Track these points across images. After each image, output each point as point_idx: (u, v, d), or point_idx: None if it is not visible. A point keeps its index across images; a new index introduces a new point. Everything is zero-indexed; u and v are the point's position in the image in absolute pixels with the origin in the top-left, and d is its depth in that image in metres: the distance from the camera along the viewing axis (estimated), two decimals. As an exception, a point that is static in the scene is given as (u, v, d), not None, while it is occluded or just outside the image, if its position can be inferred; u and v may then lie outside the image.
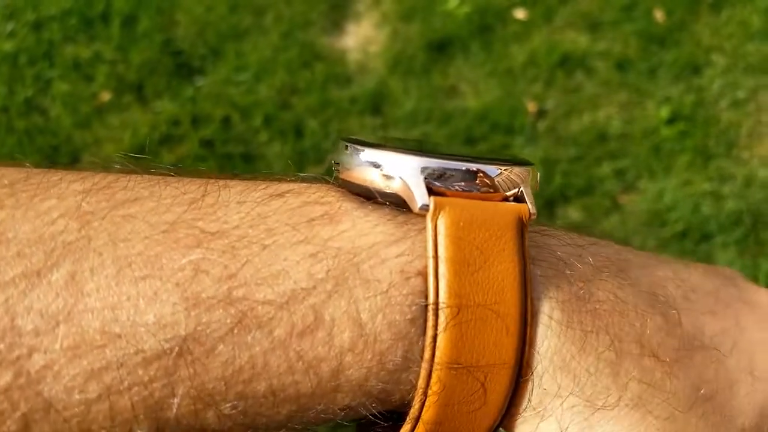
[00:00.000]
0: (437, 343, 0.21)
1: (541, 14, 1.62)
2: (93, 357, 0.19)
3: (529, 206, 0.23)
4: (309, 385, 0.20)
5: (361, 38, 1.58)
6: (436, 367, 0.21)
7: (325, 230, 0.21)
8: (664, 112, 1.49)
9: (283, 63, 1.51)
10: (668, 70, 1.55)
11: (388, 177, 0.22)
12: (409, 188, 0.22)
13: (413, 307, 0.21)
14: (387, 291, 0.21)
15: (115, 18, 1.52)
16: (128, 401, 0.19)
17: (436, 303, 0.21)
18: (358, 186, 0.23)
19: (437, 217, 0.21)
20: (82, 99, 1.41)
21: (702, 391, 0.23)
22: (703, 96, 1.52)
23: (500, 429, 0.23)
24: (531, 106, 1.49)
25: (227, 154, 1.35)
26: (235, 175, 0.23)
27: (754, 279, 1.33)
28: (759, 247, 1.35)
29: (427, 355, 0.21)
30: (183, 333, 0.19)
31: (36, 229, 0.19)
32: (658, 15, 1.63)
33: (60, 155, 1.34)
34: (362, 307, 0.20)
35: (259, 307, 0.20)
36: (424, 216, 0.21)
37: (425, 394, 0.21)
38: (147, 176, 0.22)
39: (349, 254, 0.21)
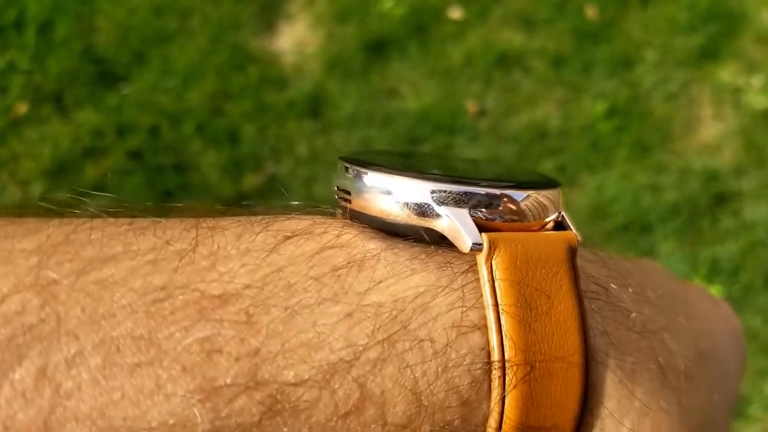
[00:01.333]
0: (504, 408, 0.18)
1: (476, 14, 1.64)
2: None
3: (576, 233, 0.21)
4: None
5: (295, 40, 1.56)
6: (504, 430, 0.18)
7: (357, 282, 0.18)
8: (600, 107, 1.52)
9: (214, 67, 1.47)
10: (602, 66, 1.59)
11: (422, 211, 0.19)
12: (455, 225, 0.19)
13: (474, 369, 0.18)
14: (443, 352, 0.18)
15: (30, 25, 1.45)
16: None
17: (503, 361, 0.18)
18: (380, 220, 0.20)
19: (492, 257, 0.19)
20: (-5, 112, 1.34)
21: (714, 398, 0.24)
22: (636, 90, 1.56)
23: None
24: (471, 106, 1.50)
25: (157, 166, 1.30)
26: (216, 210, 0.20)
27: (694, 267, 1.38)
28: (697, 236, 1.40)
29: (493, 422, 0.18)
30: None
31: None
32: (590, 12, 1.67)
33: None
34: (417, 374, 0.18)
35: (293, 390, 0.16)
36: (468, 254, 0.19)
37: None
38: (113, 222, 0.18)
39: (392, 311, 0.18)
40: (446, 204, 0.19)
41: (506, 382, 0.18)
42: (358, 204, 0.20)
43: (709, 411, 0.23)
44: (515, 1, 1.66)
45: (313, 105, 1.45)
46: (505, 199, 0.20)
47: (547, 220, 0.21)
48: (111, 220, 0.18)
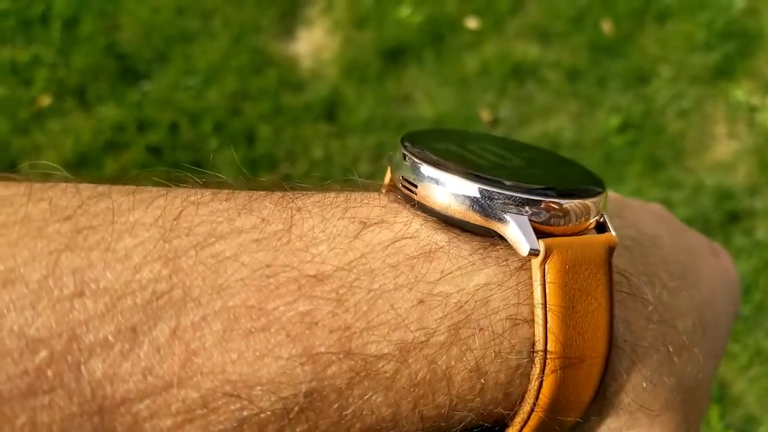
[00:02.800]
0: (542, 389, 0.21)
1: (492, 24, 1.66)
2: (207, 422, 0.17)
3: (614, 235, 0.23)
4: (419, 428, 0.20)
5: (313, 45, 1.59)
6: (537, 410, 0.21)
7: (428, 272, 0.20)
8: (614, 121, 1.54)
9: (234, 68, 1.50)
10: (617, 81, 1.61)
11: (486, 212, 0.21)
12: (516, 231, 0.21)
13: (521, 356, 0.21)
14: (498, 339, 0.21)
15: (56, 20, 1.49)
16: None
17: (545, 351, 0.21)
18: (445, 216, 0.22)
19: (545, 262, 0.21)
20: (20, 103, 1.37)
21: (710, 365, 0.26)
22: (650, 106, 1.58)
23: None
24: (485, 115, 1.53)
25: (175, 162, 1.34)
26: (297, 186, 0.22)
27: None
28: (708, 253, 1.40)
29: (530, 399, 0.21)
30: (302, 390, 0.18)
31: (120, 277, 0.17)
32: (606, 27, 1.70)
33: None
34: (477, 356, 0.20)
35: (375, 361, 0.19)
36: (527, 256, 0.21)
37: (521, 430, 0.22)
38: (213, 197, 0.20)
39: (458, 301, 0.20)
40: (509, 210, 0.21)
41: (546, 368, 0.21)
42: (424, 196, 0.22)
43: (701, 374, 0.26)
44: (531, 13, 1.69)
45: (328, 109, 1.47)
46: (561, 206, 0.22)
47: (591, 221, 0.23)
48: (209, 194, 0.20)
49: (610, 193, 0.29)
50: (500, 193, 0.21)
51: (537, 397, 0.21)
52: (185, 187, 0.21)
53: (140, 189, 0.20)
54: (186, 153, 1.36)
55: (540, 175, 0.24)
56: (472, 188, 0.22)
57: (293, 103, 1.47)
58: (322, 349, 0.19)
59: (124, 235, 0.18)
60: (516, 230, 0.21)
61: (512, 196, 0.21)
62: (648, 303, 0.24)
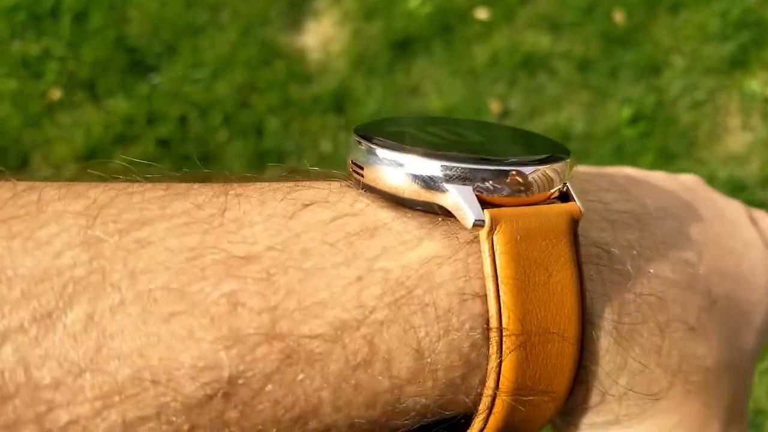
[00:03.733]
0: (501, 370, 0.20)
1: (502, 15, 1.65)
2: (125, 408, 0.17)
3: (578, 204, 0.22)
4: (366, 418, 0.19)
5: (321, 37, 1.60)
6: (500, 394, 0.20)
7: (367, 248, 0.20)
8: (626, 112, 1.54)
9: (242, 61, 1.51)
10: (629, 71, 1.61)
11: (428, 186, 0.20)
12: (459, 201, 0.20)
13: (474, 333, 0.20)
14: (445, 316, 0.20)
15: (66, 14, 1.51)
16: None
17: (500, 328, 0.20)
18: (390, 195, 0.21)
19: (493, 233, 0.20)
20: (31, 97, 1.40)
21: (731, 345, 0.24)
22: (663, 97, 1.57)
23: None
24: (495, 106, 1.53)
25: (185, 155, 1.36)
26: (244, 177, 0.22)
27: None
28: (720, 247, 1.41)
29: (491, 382, 0.20)
30: (225, 374, 0.18)
31: (40, 264, 0.17)
32: (618, 17, 1.69)
33: (9, 156, 1.32)
34: (421, 335, 0.19)
35: (308, 342, 0.18)
36: (472, 229, 0.20)
37: (487, 418, 0.21)
38: (151, 187, 0.20)
39: (399, 277, 0.19)
40: (452, 180, 0.20)
41: (503, 347, 0.20)
42: (369, 177, 0.21)
43: (723, 357, 0.24)
44: (542, 3, 1.68)
45: (337, 101, 1.49)
46: (512, 175, 0.21)
47: (552, 191, 0.22)
48: (150, 185, 0.20)
49: (629, 170, 0.28)
50: (444, 165, 0.20)
51: (498, 380, 0.20)
52: (131, 180, 0.21)
53: (76, 183, 0.20)
54: (195, 146, 1.38)
55: (494, 148, 0.23)
56: (413, 161, 0.21)
57: (301, 95, 1.49)
58: (249, 331, 0.18)
59: (50, 223, 0.18)
60: (459, 201, 0.20)
61: (453, 166, 0.20)
62: (636, 277, 0.23)
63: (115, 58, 1.48)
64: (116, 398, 0.17)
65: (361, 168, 0.22)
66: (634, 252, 0.23)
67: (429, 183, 0.20)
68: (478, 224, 0.20)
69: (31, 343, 0.16)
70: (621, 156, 1.50)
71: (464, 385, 0.20)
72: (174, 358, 0.17)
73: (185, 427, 0.17)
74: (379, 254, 0.20)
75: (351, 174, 0.22)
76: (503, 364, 0.20)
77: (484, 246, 0.20)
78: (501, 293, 0.20)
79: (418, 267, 0.20)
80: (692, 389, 0.23)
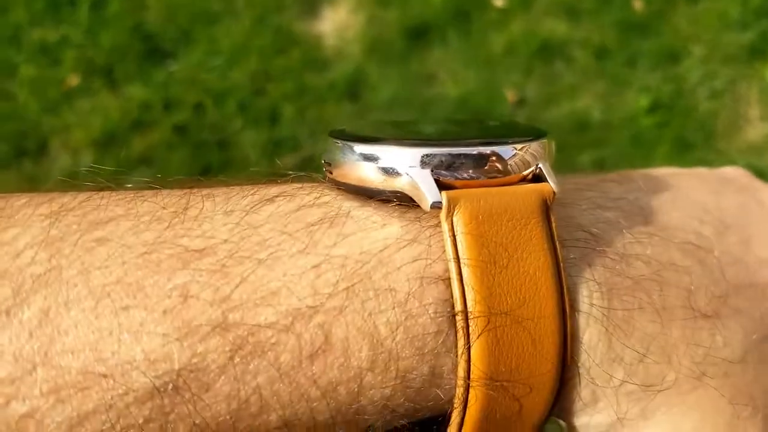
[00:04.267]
0: (471, 357, 0.19)
1: (519, 2, 1.65)
2: (78, 401, 0.17)
3: (552, 184, 0.21)
4: (327, 411, 0.19)
5: (337, 23, 1.60)
6: (473, 384, 0.19)
7: (326, 236, 0.19)
8: (644, 101, 1.53)
9: (257, 48, 1.52)
10: (647, 59, 1.60)
11: (388, 173, 0.20)
12: (416, 185, 0.20)
13: (438, 318, 0.19)
14: (406, 301, 0.19)
15: (84, 1, 1.52)
16: None
17: (465, 311, 0.19)
18: (356, 186, 0.21)
19: (453, 214, 0.20)
20: (49, 83, 1.42)
21: (755, 334, 0.22)
22: (681, 85, 1.56)
23: (559, 422, 0.22)
24: (510, 95, 1.53)
25: (201, 142, 1.38)
26: (221, 181, 0.22)
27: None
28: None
29: (461, 371, 0.19)
30: (177, 367, 0.18)
31: (1, 263, 0.18)
32: (637, 4, 1.68)
33: (28, 141, 1.34)
34: (379, 321, 0.19)
35: (260, 332, 0.18)
36: (433, 212, 0.20)
37: (463, 412, 0.20)
38: (122, 192, 0.21)
39: (357, 262, 0.19)
40: (411, 165, 0.20)
41: (470, 332, 0.19)
42: (337, 173, 0.21)
43: (744, 347, 0.22)
44: (560, -10, 1.69)
45: (352, 88, 1.49)
46: (473, 157, 0.20)
47: (526, 173, 0.21)
48: (121, 192, 0.21)
49: (667, 169, 0.28)
50: (400, 153, 0.20)
51: (469, 369, 0.19)
52: (107, 187, 0.21)
53: (51, 192, 0.21)
54: (211, 133, 1.39)
55: (459, 132, 0.22)
56: (372, 150, 0.20)
57: (316, 82, 1.50)
58: (200, 323, 0.18)
59: (16, 225, 0.19)
60: (416, 184, 0.20)
61: (411, 152, 0.20)
62: (629, 261, 0.21)
63: (132, 45, 1.50)
64: (70, 391, 0.17)
65: (330, 165, 0.22)
66: (629, 236, 0.22)
67: (388, 170, 0.20)
68: (436, 206, 0.19)
69: None
70: (638, 145, 1.49)
71: (434, 376, 0.19)
72: (125, 351, 0.18)
73: (139, 421, 0.18)
74: (339, 241, 0.19)
75: (324, 174, 0.22)
76: (472, 350, 0.19)
77: (444, 227, 0.19)
78: (464, 275, 0.19)
79: (377, 252, 0.19)
80: (712, 383, 0.21)
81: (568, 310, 0.20)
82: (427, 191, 0.19)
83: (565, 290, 0.20)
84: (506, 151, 0.21)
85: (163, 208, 0.20)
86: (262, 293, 0.18)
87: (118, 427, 0.18)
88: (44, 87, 1.42)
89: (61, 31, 1.50)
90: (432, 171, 0.20)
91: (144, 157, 1.33)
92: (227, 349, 0.18)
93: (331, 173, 0.22)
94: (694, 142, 1.51)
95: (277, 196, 0.21)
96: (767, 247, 0.25)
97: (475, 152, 0.20)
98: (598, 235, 0.22)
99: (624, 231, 0.22)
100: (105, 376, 0.17)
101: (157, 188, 0.21)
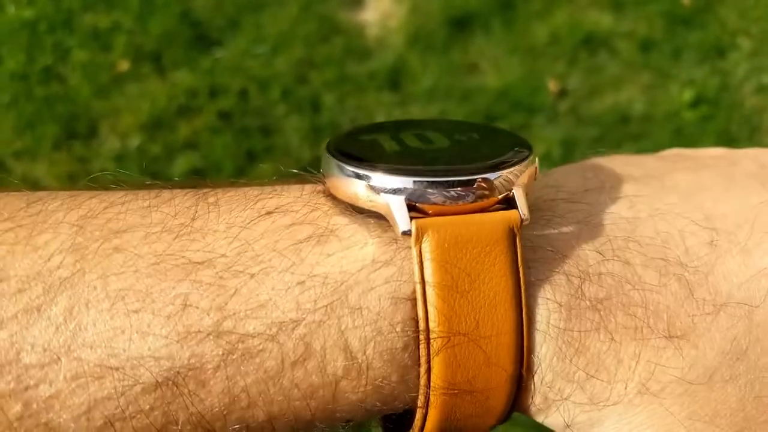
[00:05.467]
0: (432, 369, 0.21)
1: (564, -8, 1.66)
2: (94, 388, 0.20)
3: (521, 212, 0.22)
4: (308, 409, 0.22)
5: (380, 13, 1.63)
6: (433, 392, 0.22)
7: (312, 255, 0.22)
8: (688, 95, 1.53)
9: (301, 36, 1.55)
10: (693, 53, 1.59)
11: (372, 193, 0.22)
12: (390, 211, 0.22)
13: (404, 336, 0.21)
14: (376, 320, 0.21)
15: (134, -13, 1.58)
16: (131, 428, 0.20)
17: (427, 330, 0.21)
18: (344, 202, 0.23)
19: (421, 241, 0.21)
20: (100, 68, 1.47)
21: (728, 353, 0.23)
22: (727, 80, 1.55)
23: None
24: (552, 85, 1.54)
25: (244, 127, 1.41)
26: (232, 183, 0.24)
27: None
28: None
29: (423, 381, 0.22)
30: (177, 365, 0.20)
31: (34, 265, 0.21)
32: (685, -4, 1.67)
33: (78, 124, 1.39)
34: (352, 336, 0.21)
35: (249, 340, 0.21)
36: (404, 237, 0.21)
37: (425, 415, 0.22)
38: (141, 198, 0.23)
39: (336, 282, 0.21)
40: (386, 191, 0.22)
41: (431, 349, 0.21)
42: (329, 185, 0.23)
43: (712, 368, 0.22)
44: (606, -19, 1.68)
45: (393, 77, 1.51)
46: (445, 185, 0.22)
47: (499, 197, 0.22)
48: (141, 194, 0.23)
49: (682, 151, 0.28)
50: (379, 177, 0.22)
51: (429, 379, 0.22)
52: (127, 189, 0.24)
53: (81, 193, 0.23)
54: (254, 119, 1.43)
55: (447, 158, 0.24)
56: (357, 170, 0.22)
57: (358, 71, 1.52)
58: (199, 328, 0.21)
59: (48, 230, 0.22)
60: (391, 210, 0.22)
61: (388, 179, 0.22)
62: (591, 281, 0.23)
63: (180, 32, 1.54)
64: (88, 379, 0.20)
65: (325, 176, 0.24)
66: (597, 255, 0.23)
67: (369, 194, 0.22)
68: (406, 234, 0.21)
69: (22, 331, 0.20)
70: (680, 139, 1.48)
71: (403, 383, 0.22)
72: (136, 348, 0.20)
73: (145, 408, 0.20)
74: (321, 261, 0.22)
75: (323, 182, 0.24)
76: (433, 363, 0.21)
77: (413, 252, 0.21)
78: (429, 297, 0.21)
79: (354, 272, 0.22)
80: (667, 401, 0.22)
81: (525, 330, 0.22)
82: (399, 219, 0.21)
83: (524, 311, 0.22)
84: (479, 179, 0.22)
85: (174, 217, 0.22)
86: (252, 305, 0.21)
87: (127, 412, 0.20)
88: (95, 71, 1.47)
89: (113, 16, 1.55)
90: (406, 198, 0.22)
91: (189, 142, 1.38)
92: (220, 352, 0.21)
93: (324, 184, 0.24)
94: (738, 137, 1.49)
95: (273, 211, 0.23)
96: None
97: (446, 181, 0.22)
98: (567, 253, 0.23)
99: (592, 248, 0.23)
100: (117, 368, 0.20)
101: (169, 190, 0.24)
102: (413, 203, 0.22)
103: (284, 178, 0.25)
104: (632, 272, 0.23)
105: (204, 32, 1.55)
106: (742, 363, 0.23)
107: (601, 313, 0.23)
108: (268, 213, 0.23)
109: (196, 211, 0.23)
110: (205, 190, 0.24)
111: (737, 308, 0.23)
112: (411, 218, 0.22)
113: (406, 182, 0.22)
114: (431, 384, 0.22)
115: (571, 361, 0.22)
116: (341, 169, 0.23)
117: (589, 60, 1.58)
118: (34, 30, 1.52)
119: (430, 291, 0.21)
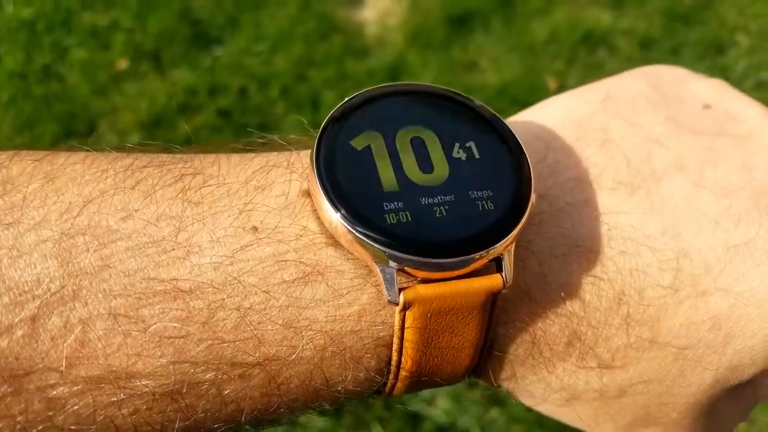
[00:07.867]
0: (399, 373, 0.25)
1: (564, -11, 1.68)
2: (95, 394, 0.22)
3: (505, 278, 0.24)
4: (305, 397, 0.25)
5: (379, 10, 1.65)
6: (399, 383, 0.26)
7: (301, 297, 0.23)
8: (687, 92, 1.56)
9: (301, 34, 1.57)
10: (692, 50, 1.62)
11: (362, 253, 0.23)
12: (381, 279, 0.23)
13: (381, 374, 0.25)
14: (359, 360, 0.24)
15: (133, -14, 1.59)
16: (131, 424, 0.23)
17: (398, 367, 0.25)
18: (336, 241, 0.24)
19: (407, 309, 0.23)
20: (99, 66, 1.48)
21: (646, 377, 0.27)
22: (727, 76, 1.56)
23: None
24: (551, 83, 1.55)
25: (244, 125, 1.42)
26: (234, 149, 0.25)
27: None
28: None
29: (389, 386, 0.26)
30: (171, 381, 0.22)
31: (23, 275, 0.21)
32: (684, -8, 1.70)
33: (77, 122, 1.40)
34: (336, 371, 0.24)
35: (236, 369, 0.23)
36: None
37: (396, 376, 0.25)
38: (116, 187, 0.23)
39: (324, 325, 0.23)
40: (379, 261, 0.23)
41: (399, 375, 0.25)
42: (324, 219, 0.23)
43: (626, 385, 0.27)
44: (605, -22, 1.70)
45: (392, 75, 1.53)
46: (435, 269, 0.23)
47: (487, 262, 0.23)
48: (121, 187, 0.23)
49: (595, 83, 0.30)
50: (375, 246, 0.23)
51: (395, 383, 0.26)
52: (102, 163, 0.24)
53: (58, 176, 0.23)
54: (254, 117, 1.44)
55: (447, 223, 0.23)
56: (352, 227, 0.23)
57: (357, 69, 1.54)
58: (192, 355, 0.22)
59: (30, 233, 0.22)
60: (382, 278, 0.23)
61: (383, 250, 0.22)
62: (535, 323, 0.26)
63: (179, 30, 1.56)
64: (88, 386, 0.21)
65: (313, 197, 0.24)
66: (558, 292, 0.26)
67: (363, 253, 0.23)
68: (392, 303, 0.23)
69: (20, 340, 0.21)
70: (680, 136, 1.50)
71: (374, 383, 0.26)
72: (130, 366, 0.22)
73: (143, 408, 0.22)
74: (310, 304, 0.23)
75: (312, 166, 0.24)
76: (398, 378, 0.26)
77: (396, 319, 0.23)
78: (404, 348, 0.24)
79: (343, 319, 0.23)
80: (578, 405, 0.28)
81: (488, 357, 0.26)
82: (387, 289, 0.23)
83: (485, 350, 0.26)
84: (469, 259, 0.23)
85: (155, 224, 0.23)
86: (245, 337, 0.22)
87: (137, 409, 0.22)
88: (94, 70, 1.48)
89: (111, 15, 1.56)
90: (396, 268, 0.23)
91: (189, 140, 1.40)
92: (209, 377, 0.22)
93: (309, 194, 0.24)
94: (738, 134, 1.51)
95: (260, 228, 0.23)
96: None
97: (438, 263, 0.23)
98: (534, 298, 0.26)
99: (554, 288, 0.26)
100: (115, 380, 0.22)
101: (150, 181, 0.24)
102: (403, 268, 0.23)
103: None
104: (587, 311, 0.26)
105: (203, 30, 1.57)
106: (661, 384, 0.26)
107: (548, 365, 0.27)
108: (255, 230, 0.23)
109: (181, 220, 0.23)
110: (183, 183, 0.24)
111: (671, 348, 0.26)
112: (399, 289, 0.23)
113: (400, 257, 0.22)
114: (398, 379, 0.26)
115: (517, 384, 0.28)
116: (333, 213, 0.23)
117: (588, 57, 1.60)
118: (32, 29, 1.54)
119: (405, 344, 0.24)
